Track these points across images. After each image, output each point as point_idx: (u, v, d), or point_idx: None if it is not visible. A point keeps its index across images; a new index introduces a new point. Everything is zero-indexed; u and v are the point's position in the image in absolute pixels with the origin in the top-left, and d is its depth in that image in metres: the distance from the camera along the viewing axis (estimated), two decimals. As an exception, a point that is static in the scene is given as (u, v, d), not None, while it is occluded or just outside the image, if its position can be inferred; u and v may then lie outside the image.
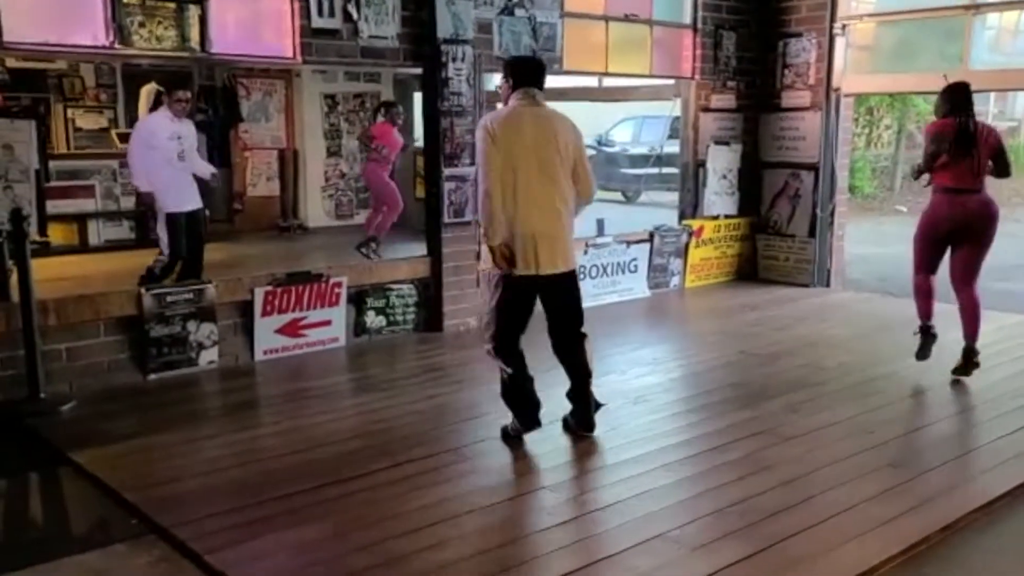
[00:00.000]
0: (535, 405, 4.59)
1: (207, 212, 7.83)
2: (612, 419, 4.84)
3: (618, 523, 3.70)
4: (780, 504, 3.82)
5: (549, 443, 4.59)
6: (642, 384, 5.56)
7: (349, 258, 8.36)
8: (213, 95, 11.32)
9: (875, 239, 12.57)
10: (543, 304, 4.55)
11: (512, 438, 4.60)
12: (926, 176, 5.67)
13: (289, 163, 11.74)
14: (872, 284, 9.35)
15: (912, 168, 6.10)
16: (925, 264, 5.75)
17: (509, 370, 4.54)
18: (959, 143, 5.40)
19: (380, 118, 9.52)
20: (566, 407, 4.75)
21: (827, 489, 3.96)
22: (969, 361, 5.61)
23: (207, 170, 7.25)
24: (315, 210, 11.75)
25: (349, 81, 11.78)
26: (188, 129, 6.90)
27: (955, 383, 5.57)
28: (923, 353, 5.78)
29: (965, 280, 5.61)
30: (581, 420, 4.67)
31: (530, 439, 4.59)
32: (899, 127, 18.29)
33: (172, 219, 6.82)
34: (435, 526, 3.67)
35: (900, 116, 18.11)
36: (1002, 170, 5.60)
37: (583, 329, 4.63)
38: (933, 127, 5.63)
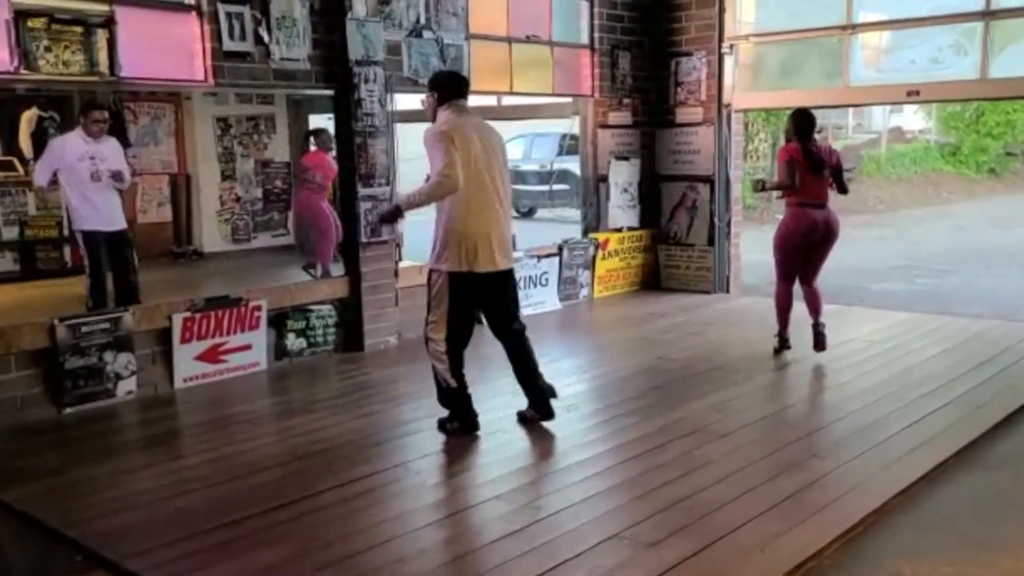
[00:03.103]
0: (473, 410, 4.88)
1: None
2: (548, 427, 4.96)
3: (572, 527, 3.81)
4: (723, 498, 4.01)
5: (492, 454, 4.68)
6: (571, 392, 5.69)
7: (249, 282, 8.17)
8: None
9: (760, 246, 13.13)
10: (488, 300, 4.86)
11: (448, 431, 4.88)
12: (775, 193, 6.34)
13: (182, 188, 11.45)
14: (766, 289, 9.78)
15: (754, 183, 7.00)
16: (789, 273, 6.36)
17: (454, 383, 4.77)
18: (809, 163, 6.11)
19: (311, 147, 9.29)
20: (502, 417, 4.87)
21: (764, 481, 4.18)
22: (822, 336, 6.28)
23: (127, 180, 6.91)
24: (211, 235, 11.46)
25: (241, 104, 11.58)
26: (106, 149, 6.63)
27: (858, 377, 5.93)
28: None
29: (811, 279, 6.37)
30: (546, 407, 4.99)
31: (473, 452, 4.69)
32: (773, 141, 19.19)
33: (87, 238, 6.61)
34: (395, 541, 3.71)
35: (774, 130, 19.00)
36: (841, 188, 6.41)
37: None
38: (785, 151, 6.28)
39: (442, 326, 4.74)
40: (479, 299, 4.86)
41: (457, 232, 4.65)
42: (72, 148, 6.53)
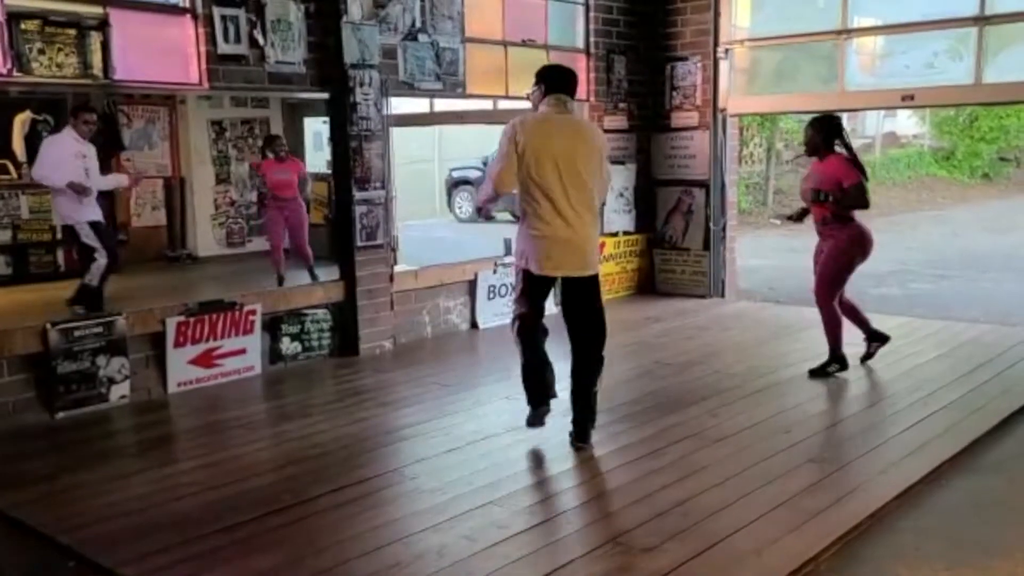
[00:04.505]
0: (545, 387, 4.89)
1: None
2: (545, 431, 4.93)
3: (568, 532, 3.81)
4: (719, 503, 4.00)
5: (487, 459, 4.65)
6: (565, 397, 5.59)
7: (243, 286, 8.18)
8: (91, 123, 10.89)
9: (756, 251, 13.17)
10: (565, 302, 4.77)
11: (532, 423, 4.88)
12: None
13: (176, 191, 11.42)
14: (762, 293, 9.82)
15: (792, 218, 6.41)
16: (839, 290, 6.02)
17: (527, 353, 4.82)
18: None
19: (268, 155, 9.28)
20: (496, 421, 4.85)
21: (760, 486, 4.17)
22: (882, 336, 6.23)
23: (118, 181, 7.79)
24: (205, 239, 11.43)
25: (236, 107, 11.56)
26: (91, 150, 6.93)
27: (855, 381, 5.92)
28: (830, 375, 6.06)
29: (845, 292, 6.13)
30: (576, 429, 4.79)
31: (468, 456, 4.66)
32: (768, 145, 19.22)
33: (95, 225, 6.87)
34: (389, 547, 3.68)
35: (769, 135, 19.05)
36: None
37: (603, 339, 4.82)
38: (843, 166, 5.74)
39: (519, 308, 4.81)
40: (547, 292, 4.83)
41: (525, 233, 4.61)
42: (67, 147, 6.75)
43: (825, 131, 5.88)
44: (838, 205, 5.75)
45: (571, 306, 4.75)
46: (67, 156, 6.69)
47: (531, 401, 4.89)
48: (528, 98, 4.83)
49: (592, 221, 4.67)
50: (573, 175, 4.51)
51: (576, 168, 4.52)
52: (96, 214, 6.94)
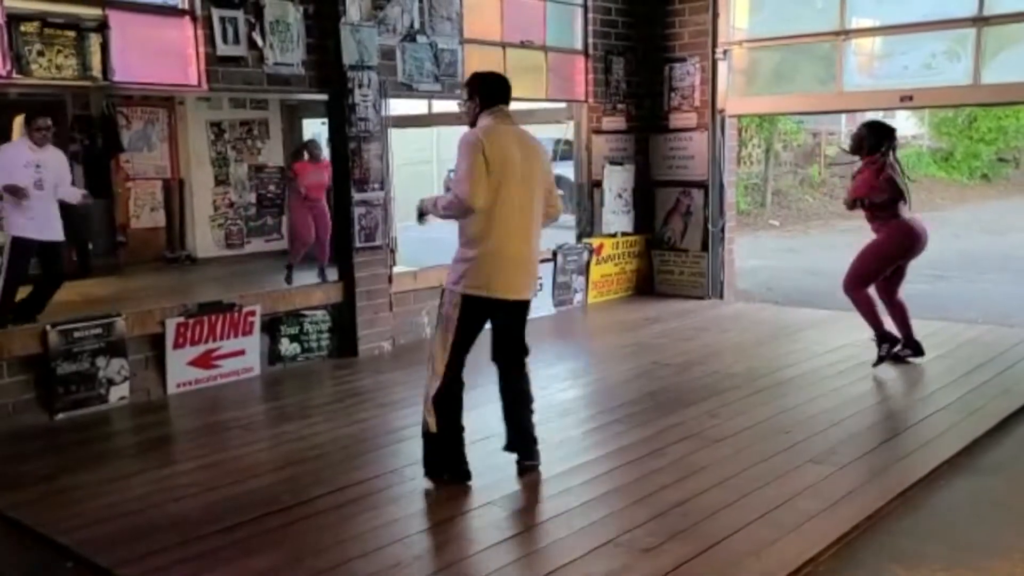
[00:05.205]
0: (463, 458, 4.37)
1: (90, 245, 7.71)
2: (543, 433, 4.87)
3: (567, 532, 3.80)
4: (718, 504, 4.00)
5: (486, 459, 4.62)
6: (565, 398, 5.70)
7: (242, 287, 8.19)
8: (91, 124, 10.90)
9: (755, 252, 13.17)
10: (494, 328, 4.40)
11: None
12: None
13: (175, 193, 11.42)
14: (761, 294, 9.83)
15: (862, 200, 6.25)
16: (872, 281, 6.25)
17: (444, 427, 4.30)
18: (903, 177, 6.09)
19: (304, 157, 9.44)
20: (496, 421, 4.80)
21: (759, 487, 4.17)
22: (919, 344, 6.35)
23: (77, 194, 6.95)
24: (204, 240, 11.42)
25: (235, 108, 11.56)
26: (51, 157, 6.53)
27: (854, 383, 5.92)
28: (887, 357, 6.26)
29: (899, 291, 6.32)
30: (525, 451, 4.51)
31: (467, 455, 4.64)
32: (767, 146, 19.21)
33: (16, 244, 6.39)
34: (389, 547, 3.69)
35: (768, 136, 19.03)
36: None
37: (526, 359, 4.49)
38: (886, 172, 6.02)
39: (443, 358, 4.24)
40: (494, 326, 4.38)
41: (479, 251, 4.15)
42: (17, 155, 6.42)
43: (878, 135, 6.13)
44: (876, 205, 6.04)
45: (512, 329, 4.39)
46: (15, 165, 6.33)
47: (451, 473, 4.35)
48: (461, 109, 4.41)
49: (537, 240, 4.36)
50: (529, 190, 4.23)
51: (532, 183, 4.24)
52: (32, 231, 6.38)
